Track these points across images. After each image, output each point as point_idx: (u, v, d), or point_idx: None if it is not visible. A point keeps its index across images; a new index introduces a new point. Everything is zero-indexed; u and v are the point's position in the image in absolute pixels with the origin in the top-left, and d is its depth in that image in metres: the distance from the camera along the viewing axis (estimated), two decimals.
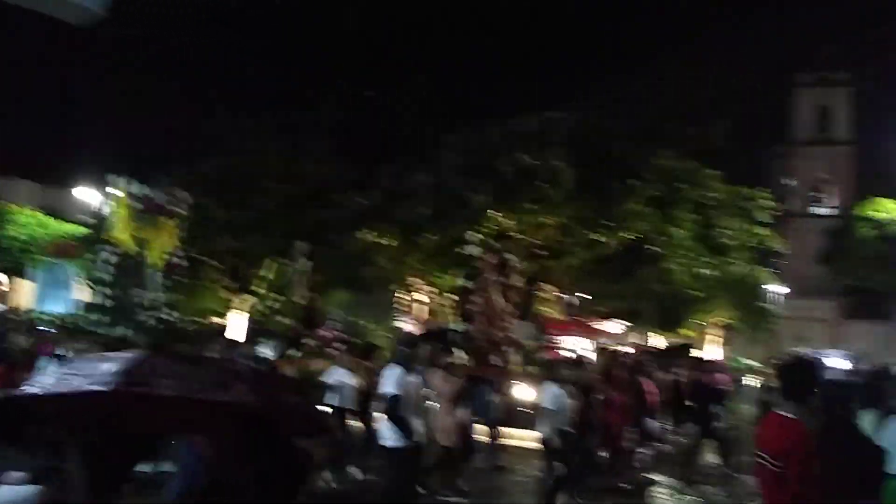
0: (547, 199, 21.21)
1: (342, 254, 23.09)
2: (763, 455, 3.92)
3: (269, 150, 25.67)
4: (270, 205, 23.59)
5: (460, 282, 26.29)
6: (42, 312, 20.60)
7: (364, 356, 10.37)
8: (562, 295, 29.40)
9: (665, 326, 30.30)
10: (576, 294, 29.31)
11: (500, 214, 21.98)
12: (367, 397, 9.79)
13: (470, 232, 17.81)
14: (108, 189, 29.75)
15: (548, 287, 27.73)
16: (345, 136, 28.27)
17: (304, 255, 18.62)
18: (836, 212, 56.34)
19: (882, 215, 38.27)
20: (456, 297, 32.38)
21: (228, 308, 26.27)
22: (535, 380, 12.03)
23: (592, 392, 9.41)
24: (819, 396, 5.00)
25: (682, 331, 29.78)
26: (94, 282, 16.10)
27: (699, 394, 11.64)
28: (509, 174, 21.45)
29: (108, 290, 15.43)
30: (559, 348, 20.35)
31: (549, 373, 9.04)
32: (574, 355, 12.32)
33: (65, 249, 23.19)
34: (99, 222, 28.17)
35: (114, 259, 15.65)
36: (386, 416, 7.07)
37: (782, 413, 3.97)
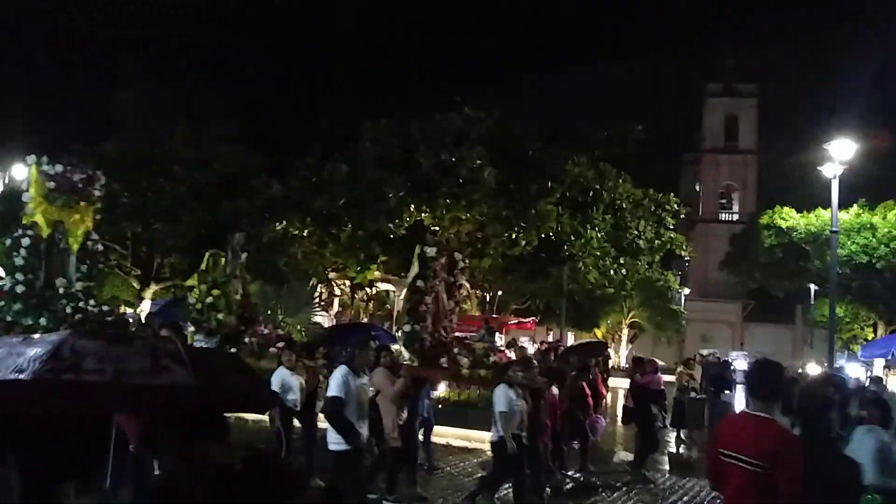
0: (465, 195, 21.21)
1: (256, 243, 22.54)
2: (739, 456, 3.83)
3: (177, 132, 24.84)
4: (180, 191, 22.75)
5: (378, 275, 26.19)
6: None
7: (306, 355, 9.90)
8: (478, 292, 29.56)
9: (578, 325, 30.87)
10: (492, 291, 29.52)
11: (415, 208, 21.89)
12: (310, 398, 9.45)
13: (429, 235, 17.65)
14: (20, 167, 28.46)
15: (464, 284, 27.82)
16: (259, 122, 27.66)
17: (241, 246, 17.76)
18: (741, 218, 58.45)
19: (784, 223, 39.87)
20: (370, 292, 32.22)
21: (139, 298, 25.30)
22: (486, 382, 11.77)
23: (542, 395, 9.34)
24: (796, 406, 5.02)
25: (595, 329, 30.45)
26: (7, 267, 14.88)
27: (638, 394, 11.67)
28: (428, 168, 21.38)
29: (21, 276, 14.19)
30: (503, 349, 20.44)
31: (501, 375, 8.78)
32: (522, 356, 12.14)
33: None
34: (6, 202, 26.74)
35: (28, 242, 14.42)
36: (327, 419, 6.80)
37: (757, 413, 3.91)
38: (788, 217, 39.77)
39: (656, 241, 27.32)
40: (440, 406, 13.36)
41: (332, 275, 27.50)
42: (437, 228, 22.35)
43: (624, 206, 25.19)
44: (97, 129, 29.43)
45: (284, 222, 22.04)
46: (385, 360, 8.72)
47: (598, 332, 30.54)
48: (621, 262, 25.38)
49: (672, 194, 28.34)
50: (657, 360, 15.92)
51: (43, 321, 13.66)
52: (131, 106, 27.05)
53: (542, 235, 22.55)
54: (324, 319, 28.49)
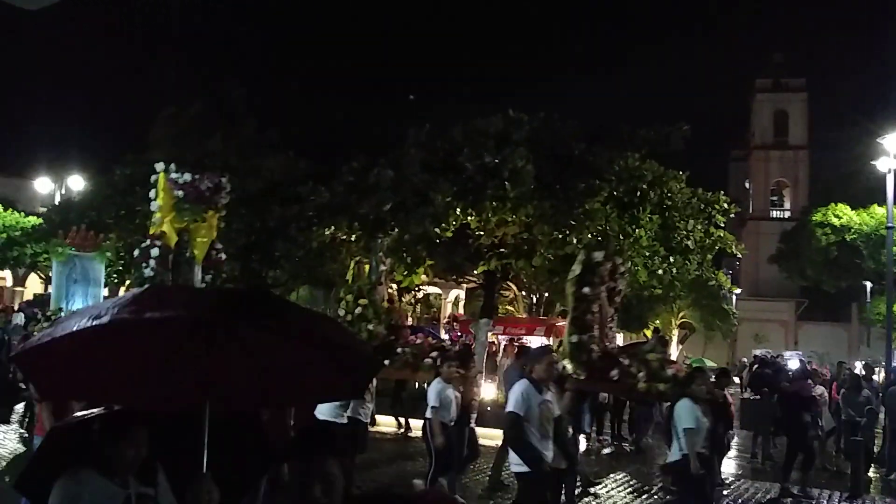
0: (509, 197, 21.16)
1: (305, 249, 22.87)
2: None
3: (215, 139, 25.39)
4: (230, 199, 23.16)
5: (425, 278, 26.26)
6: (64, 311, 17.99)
7: (460, 364, 9.42)
8: (524, 294, 29.46)
9: (627, 326, 30.53)
10: (538, 293, 29.37)
11: (461, 211, 21.90)
12: (465, 410, 9.09)
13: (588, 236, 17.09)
14: (76, 179, 29.26)
15: (511, 286, 27.74)
16: (307, 131, 28.04)
17: (383, 251, 17.06)
18: (792, 215, 57.29)
19: (838, 220, 38.92)
20: (417, 295, 32.33)
21: None
22: (663, 396, 11.15)
23: (722, 408, 9.04)
24: None
25: (645, 330, 30.07)
26: (136, 279, 14.56)
27: (789, 403, 11.35)
28: (472, 171, 21.38)
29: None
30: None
31: (684, 388, 8.38)
32: (700, 368, 11.50)
33: (86, 240, 20.13)
34: (62, 212, 27.52)
35: (157, 253, 13.88)
36: (508, 438, 6.26)
37: None
38: (843, 214, 38.83)
39: (706, 241, 26.89)
40: (488, 408, 13.24)
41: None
42: (482, 233, 22.34)
43: (673, 205, 24.84)
44: (142, 138, 30.12)
45: (333, 227, 22.25)
46: (554, 374, 8.05)
47: (648, 333, 30.15)
48: (671, 260, 25.02)
49: (721, 192, 27.87)
50: (807, 368, 15.47)
51: None
52: (174, 114, 27.70)
53: (590, 235, 22.38)
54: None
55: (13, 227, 30.41)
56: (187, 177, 14.62)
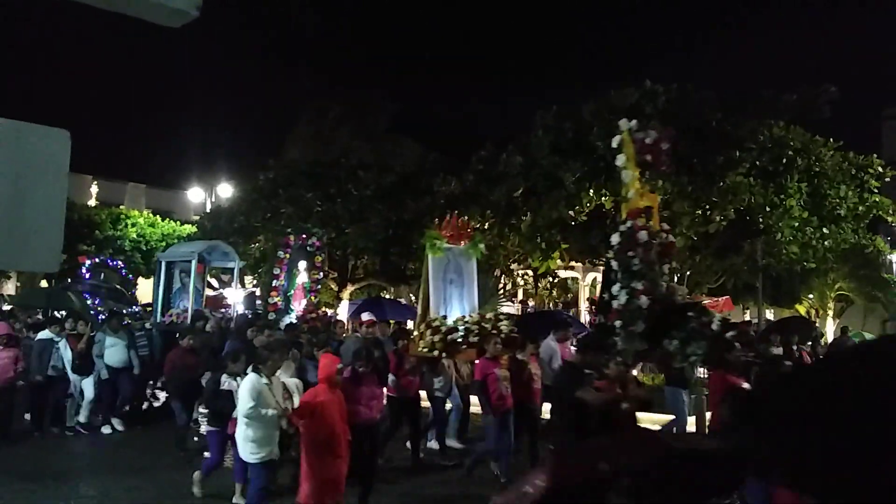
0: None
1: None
2: None
3: (361, 140, 26.06)
4: (366, 195, 23.81)
5: (560, 262, 26.00)
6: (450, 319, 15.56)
7: None
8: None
9: (777, 301, 29.04)
10: (681, 272, 28.39)
11: (594, 192, 21.49)
12: None
13: None
14: (224, 187, 30.83)
15: None
16: (439, 124, 28.39)
17: None
18: None
19: None
20: (553, 280, 32.05)
21: (338, 299, 26.68)
22: None
23: None
24: None
25: (797, 306, 28.54)
26: (623, 275, 10.78)
27: None
28: (603, 150, 20.91)
29: (639, 284, 10.35)
30: None
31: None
32: None
33: (459, 230, 16.33)
34: (214, 219, 29.12)
35: (645, 238, 10.63)
36: None
37: None
38: None
39: (860, 208, 25.16)
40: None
41: (514, 266, 27.63)
42: (617, 213, 21.83)
43: (822, 171, 23.37)
44: (284, 142, 31.26)
45: (466, 217, 22.41)
46: None
47: (801, 308, 28.53)
48: (824, 231, 23.53)
49: (875, 155, 25.97)
50: None
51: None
52: (313, 115, 28.63)
53: (733, 208, 21.41)
54: (510, 309, 28.76)
55: (171, 235, 32.61)
56: (653, 133, 11.23)
